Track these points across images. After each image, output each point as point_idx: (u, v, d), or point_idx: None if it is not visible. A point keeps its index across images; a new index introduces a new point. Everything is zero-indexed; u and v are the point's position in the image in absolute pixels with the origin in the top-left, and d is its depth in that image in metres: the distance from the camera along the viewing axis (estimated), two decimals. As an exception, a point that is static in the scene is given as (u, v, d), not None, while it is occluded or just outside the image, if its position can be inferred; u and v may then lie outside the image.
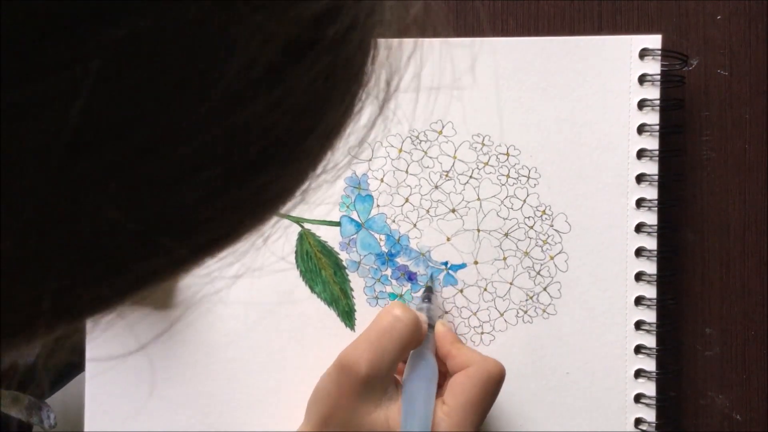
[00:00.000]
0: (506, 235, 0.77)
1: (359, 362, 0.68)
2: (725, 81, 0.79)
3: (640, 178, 0.76)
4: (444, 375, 0.73)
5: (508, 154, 0.76)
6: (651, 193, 0.76)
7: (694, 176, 0.79)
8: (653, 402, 0.76)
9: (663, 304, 0.77)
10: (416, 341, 0.71)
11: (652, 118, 0.76)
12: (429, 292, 0.76)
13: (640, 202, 0.76)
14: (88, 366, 0.77)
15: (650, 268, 0.76)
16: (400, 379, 0.72)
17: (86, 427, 0.77)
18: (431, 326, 0.74)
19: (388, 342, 0.69)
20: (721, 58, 0.79)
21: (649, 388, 0.76)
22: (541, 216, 0.77)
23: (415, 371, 0.71)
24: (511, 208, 0.77)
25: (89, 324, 0.30)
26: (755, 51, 0.79)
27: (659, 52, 0.76)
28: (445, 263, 0.77)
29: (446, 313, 0.77)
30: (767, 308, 0.79)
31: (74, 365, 0.94)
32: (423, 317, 0.73)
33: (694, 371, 0.79)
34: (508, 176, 0.77)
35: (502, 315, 0.77)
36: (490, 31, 0.79)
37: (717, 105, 0.79)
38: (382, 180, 0.77)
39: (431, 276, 0.77)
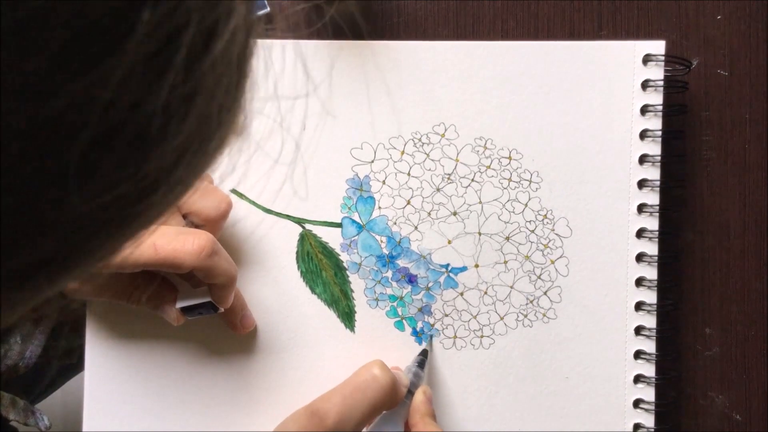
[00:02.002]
0: (507, 238, 0.77)
1: (328, 413, 0.68)
2: (725, 81, 0.79)
3: (641, 184, 0.76)
4: None
5: (510, 158, 0.76)
6: (652, 198, 0.76)
7: (695, 177, 0.79)
8: (652, 407, 0.76)
9: (663, 309, 0.77)
10: (390, 403, 0.71)
11: (655, 123, 0.76)
12: (424, 357, 0.76)
13: (641, 208, 0.76)
14: (88, 366, 0.77)
15: (651, 273, 0.76)
16: None
17: (85, 427, 0.77)
18: (411, 392, 0.73)
19: (360, 400, 0.69)
20: (721, 58, 0.79)
21: (648, 394, 0.77)
22: (543, 220, 0.77)
23: None
24: (513, 212, 0.77)
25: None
26: (755, 51, 0.79)
27: (662, 57, 0.76)
28: (446, 266, 0.77)
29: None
30: (767, 308, 0.79)
31: (69, 367, 0.94)
32: (405, 381, 0.73)
33: (694, 371, 0.79)
34: (510, 180, 0.76)
35: (502, 318, 0.77)
36: (491, 31, 0.78)
37: (717, 105, 0.79)
38: (383, 182, 0.77)
39: (430, 339, 0.78)
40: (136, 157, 0.27)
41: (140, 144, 0.27)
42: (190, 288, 0.71)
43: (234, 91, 0.31)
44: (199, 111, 0.29)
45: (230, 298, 0.71)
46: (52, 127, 0.25)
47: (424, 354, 0.76)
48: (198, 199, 0.70)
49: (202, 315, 0.71)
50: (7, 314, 0.30)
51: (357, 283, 0.78)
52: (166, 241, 0.65)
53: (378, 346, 0.77)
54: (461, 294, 0.77)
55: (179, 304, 0.70)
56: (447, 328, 0.77)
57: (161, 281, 0.72)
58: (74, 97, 0.25)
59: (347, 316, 0.78)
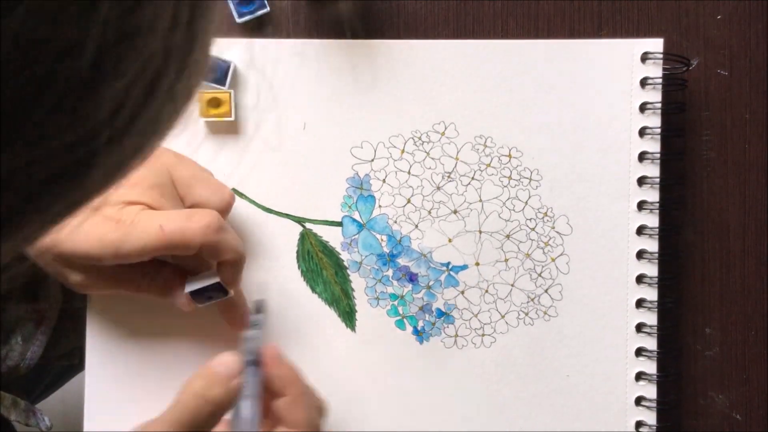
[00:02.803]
0: (508, 236, 0.77)
1: None
2: (725, 81, 0.79)
3: (641, 181, 0.76)
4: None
5: (510, 156, 0.76)
6: (652, 195, 0.76)
7: (695, 177, 0.79)
8: (654, 405, 0.76)
9: (664, 307, 0.77)
10: (231, 404, 0.65)
11: (654, 121, 0.76)
12: (259, 312, 0.72)
13: (641, 205, 0.76)
14: (88, 366, 0.77)
15: (651, 270, 0.76)
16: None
17: (85, 427, 0.77)
18: (253, 362, 0.67)
19: (193, 426, 0.64)
20: (721, 58, 0.79)
21: (650, 391, 0.77)
22: (543, 218, 0.77)
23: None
24: (513, 210, 0.77)
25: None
26: (755, 51, 0.79)
27: (661, 55, 0.76)
28: (447, 264, 0.77)
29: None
30: (767, 308, 0.79)
31: (69, 368, 0.94)
32: (235, 369, 0.66)
33: (694, 371, 0.79)
34: (510, 178, 0.77)
35: (503, 317, 0.77)
36: (490, 31, 0.78)
37: (717, 105, 0.79)
38: (384, 180, 0.77)
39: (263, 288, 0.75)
40: (70, 102, 0.26)
41: (74, 87, 0.25)
42: (198, 272, 0.71)
43: (185, 32, 0.28)
44: (140, 51, 0.27)
45: (239, 277, 0.70)
46: None
47: (259, 307, 0.73)
48: (201, 191, 0.70)
49: (213, 300, 0.71)
50: None
51: (357, 282, 0.78)
52: (171, 220, 0.65)
53: (379, 345, 0.77)
54: (462, 292, 0.77)
55: (188, 288, 0.69)
56: (448, 326, 0.77)
57: (169, 267, 0.72)
58: None
59: (348, 316, 0.78)
